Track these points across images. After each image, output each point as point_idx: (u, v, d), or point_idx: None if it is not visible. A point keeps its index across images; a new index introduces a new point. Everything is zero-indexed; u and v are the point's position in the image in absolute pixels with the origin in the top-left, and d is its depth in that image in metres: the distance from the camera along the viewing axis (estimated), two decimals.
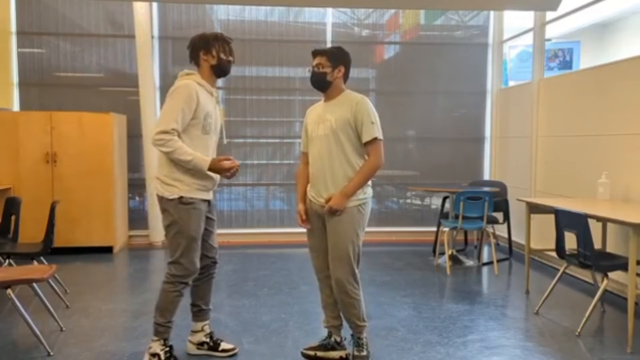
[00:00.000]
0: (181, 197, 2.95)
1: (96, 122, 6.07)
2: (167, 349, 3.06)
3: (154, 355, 3.03)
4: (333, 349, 3.20)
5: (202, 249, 3.14)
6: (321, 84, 3.08)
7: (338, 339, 3.23)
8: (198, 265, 3.05)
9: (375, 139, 2.98)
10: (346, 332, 3.22)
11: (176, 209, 2.95)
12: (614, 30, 7.80)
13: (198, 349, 3.27)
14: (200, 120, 2.97)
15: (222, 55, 3.06)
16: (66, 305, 4.19)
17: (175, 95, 2.92)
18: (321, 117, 3.08)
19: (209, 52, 3.05)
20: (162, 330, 3.05)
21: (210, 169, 2.95)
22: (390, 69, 7.28)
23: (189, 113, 2.91)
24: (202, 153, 2.97)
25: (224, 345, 3.25)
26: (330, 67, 3.04)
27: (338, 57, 3.07)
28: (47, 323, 3.72)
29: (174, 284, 3.00)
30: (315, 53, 3.10)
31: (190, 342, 3.29)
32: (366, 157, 3.04)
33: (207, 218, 3.15)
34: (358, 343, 3.16)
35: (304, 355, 3.18)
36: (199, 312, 3.28)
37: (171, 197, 2.95)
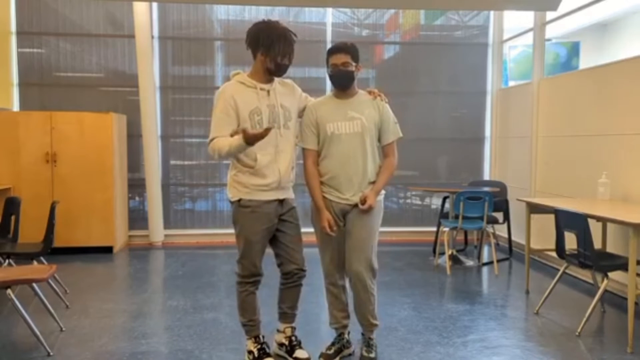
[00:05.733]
0: (240, 200, 2.96)
1: (96, 122, 6.07)
2: (260, 346, 3.09)
3: (249, 352, 3.11)
4: (345, 347, 3.25)
5: (282, 252, 3.09)
6: (349, 82, 3.03)
7: (348, 337, 3.27)
8: (260, 267, 3.03)
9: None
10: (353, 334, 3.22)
11: (237, 211, 2.99)
12: (614, 30, 7.80)
13: (278, 349, 3.25)
14: (246, 120, 2.87)
15: (280, 60, 2.88)
16: (66, 305, 4.19)
17: (214, 105, 2.92)
18: (343, 114, 3.02)
19: (268, 54, 2.87)
20: (248, 329, 3.11)
21: (248, 143, 2.73)
22: (390, 69, 7.28)
23: (231, 115, 2.85)
24: (261, 152, 2.88)
25: (298, 353, 3.14)
26: (354, 65, 3.01)
27: (357, 54, 3.05)
28: (47, 323, 3.72)
29: (240, 284, 3.05)
30: (339, 50, 3.00)
31: (275, 340, 3.29)
32: (382, 156, 3.14)
33: (282, 220, 3.05)
34: (369, 344, 3.16)
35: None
36: (282, 314, 3.23)
37: (232, 200, 2.99)
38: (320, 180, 3.08)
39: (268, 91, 2.95)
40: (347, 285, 3.21)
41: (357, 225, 3.04)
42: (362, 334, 3.23)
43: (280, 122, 2.96)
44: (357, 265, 3.02)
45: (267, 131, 2.70)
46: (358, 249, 3.03)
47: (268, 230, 3.01)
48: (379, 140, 3.12)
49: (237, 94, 2.88)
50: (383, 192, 3.14)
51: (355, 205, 3.02)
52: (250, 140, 2.72)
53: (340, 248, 3.11)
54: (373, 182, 3.07)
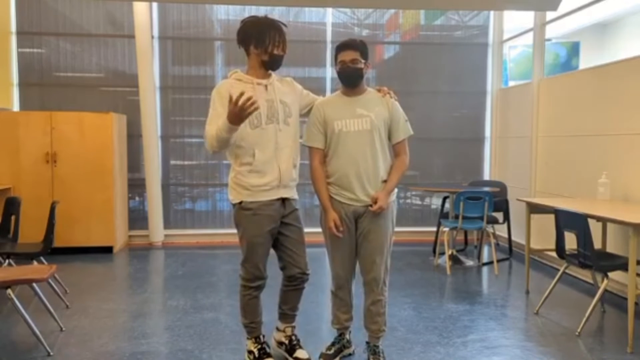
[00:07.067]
0: (241, 202, 2.92)
1: (96, 122, 6.07)
2: (260, 346, 3.07)
3: (249, 352, 3.10)
4: (346, 348, 3.24)
5: (286, 256, 3.04)
6: (358, 80, 2.98)
7: (348, 337, 3.27)
8: (263, 270, 2.98)
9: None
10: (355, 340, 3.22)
11: (238, 214, 2.94)
12: (614, 30, 7.80)
13: (278, 347, 3.23)
14: None
15: (275, 51, 2.86)
16: (66, 305, 4.19)
17: (211, 101, 2.87)
18: (352, 112, 2.95)
19: (261, 45, 2.83)
20: (249, 330, 3.09)
21: (231, 121, 2.60)
22: (390, 69, 7.28)
23: (226, 110, 2.71)
24: (259, 148, 2.84)
25: (298, 353, 3.12)
26: (363, 62, 2.96)
27: (366, 51, 3.00)
28: (47, 323, 3.72)
29: (243, 287, 3.02)
30: (348, 47, 2.93)
31: (274, 338, 3.27)
32: (394, 155, 3.07)
33: (285, 223, 2.99)
34: (375, 351, 3.09)
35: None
36: (282, 315, 3.21)
37: (234, 202, 2.95)
38: (328, 181, 3.00)
39: (266, 86, 2.91)
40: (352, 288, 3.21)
41: (373, 230, 2.96)
42: (367, 342, 3.15)
43: (280, 118, 2.90)
44: (376, 272, 2.99)
45: (249, 104, 2.53)
46: (375, 255, 2.97)
47: (271, 233, 2.96)
48: (390, 138, 3.04)
49: (233, 90, 2.78)
50: (395, 191, 3.07)
51: (369, 206, 2.93)
52: (233, 117, 2.58)
53: (351, 252, 3.05)
54: (386, 181, 3.00)
